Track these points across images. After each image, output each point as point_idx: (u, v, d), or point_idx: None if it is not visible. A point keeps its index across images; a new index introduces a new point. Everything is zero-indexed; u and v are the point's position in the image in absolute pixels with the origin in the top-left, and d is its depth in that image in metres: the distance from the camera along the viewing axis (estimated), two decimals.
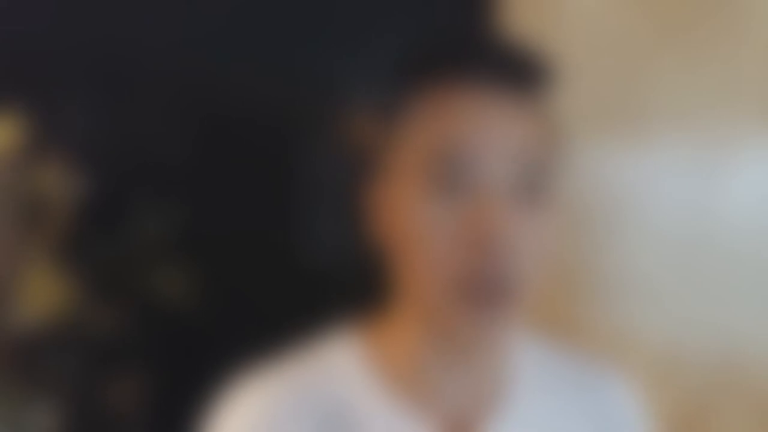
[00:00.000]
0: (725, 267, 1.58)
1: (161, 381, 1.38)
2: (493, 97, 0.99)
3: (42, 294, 1.35)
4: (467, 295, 0.98)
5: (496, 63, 1.01)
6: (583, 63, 1.52)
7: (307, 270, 1.38)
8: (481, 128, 0.98)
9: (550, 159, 1.03)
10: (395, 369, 1.06)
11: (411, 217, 0.99)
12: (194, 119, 1.39)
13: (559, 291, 1.53)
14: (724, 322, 1.59)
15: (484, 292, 0.97)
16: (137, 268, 1.38)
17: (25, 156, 1.34)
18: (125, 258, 1.38)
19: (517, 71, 1.02)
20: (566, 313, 1.54)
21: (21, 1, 1.34)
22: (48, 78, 1.35)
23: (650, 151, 1.55)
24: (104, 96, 1.37)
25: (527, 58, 1.03)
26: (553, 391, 1.12)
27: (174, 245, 1.38)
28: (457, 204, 0.98)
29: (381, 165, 1.03)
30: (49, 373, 1.36)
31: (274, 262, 1.39)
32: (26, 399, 1.35)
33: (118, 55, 1.37)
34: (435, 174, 0.98)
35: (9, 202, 1.34)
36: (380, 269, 1.05)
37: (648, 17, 1.54)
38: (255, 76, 1.39)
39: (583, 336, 1.55)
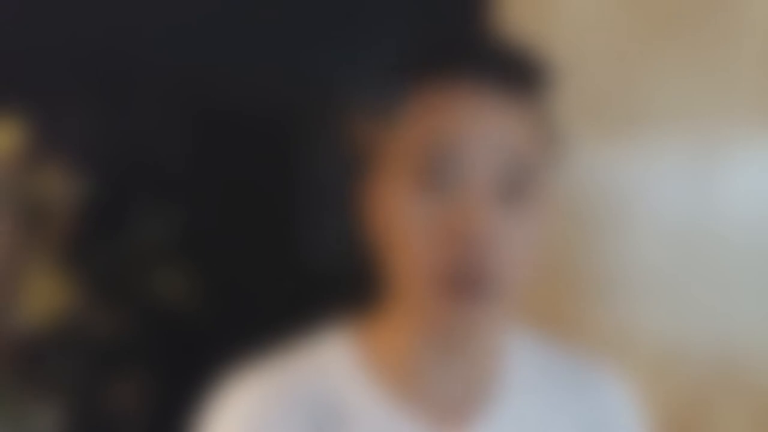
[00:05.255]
0: (723, 264, 1.58)
1: (162, 382, 1.39)
2: (486, 97, 1.00)
3: (43, 297, 1.35)
4: (450, 290, 0.99)
5: (491, 63, 1.02)
6: (581, 64, 1.52)
7: (306, 270, 1.38)
8: (471, 127, 1.00)
9: (541, 162, 1.04)
10: (388, 366, 1.07)
11: (398, 213, 1.01)
12: (195, 122, 1.39)
13: (558, 287, 1.53)
14: (723, 318, 1.59)
15: (465, 287, 0.99)
16: (138, 271, 1.38)
17: (25, 159, 1.35)
18: (126, 260, 1.38)
19: (511, 72, 1.03)
20: (565, 309, 1.54)
21: (19, 3, 1.34)
22: (48, 81, 1.36)
23: (650, 150, 1.55)
24: (105, 99, 1.37)
25: (522, 60, 1.04)
26: (546, 387, 1.12)
27: (174, 247, 1.39)
28: (442, 201, 0.99)
29: (375, 163, 1.04)
30: (51, 376, 1.36)
31: (273, 263, 1.40)
32: (28, 401, 1.35)
33: (118, 57, 1.37)
34: (423, 171, 1.00)
35: (10, 205, 1.34)
36: (373, 266, 1.06)
37: (647, 19, 1.54)
38: (256, 76, 1.40)
39: (581, 331, 1.55)
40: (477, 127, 0.99)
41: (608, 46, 1.53)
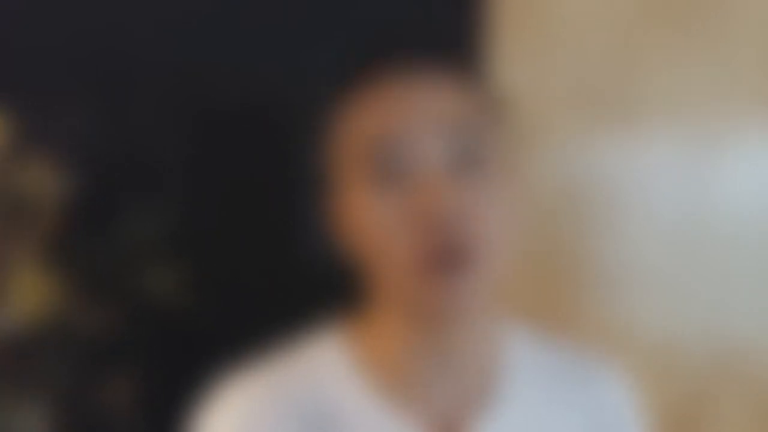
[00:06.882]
0: (721, 258, 1.59)
1: (153, 381, 1.38)
2: (415, 79, 1.03)
3: (32, 295, 1.34)
4: (430, 272, 1.00)
5: (413, 46, 1.05)
6: (579, 59, 1.52)
7: (303, 269, 1.38)
8: (411, 112, 1.02)
9: (488, 125, 1.05)
10: (381, 367, 1.06)
11: (363, 209, 1.02)
12: (191, 120, 1.39)
13: (555, 283, 1.54)
14: (721, 312, 1.59)
15: (445, 264, 0.99)
16: (128, 268, 1.38)
17: (11, 154, 1.34)
18: (116, 258, 1.37)
19: (434, 47, 1.06)
20: (563, 304, 1.55)
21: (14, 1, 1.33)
22: (35, 75, 1.35)
23: (648, 145, 1.56)
24: (93, 93, 1.37)
25: (443, 34, 1.09)
26: (544, 385, 1.12)
27: (165, 245, 1.38)
28: (401, 188, 1.01)
29: (333, 162, 1.06)
30: (40, 375, 1.35)
31: (265, 262, 1.39)
32: (17, 400, 1.35)
33: (107, 52, 1.37)
34: (375, 163, 1.02)
35: None
36: (354, 267, 1.07)
37: (645, 15, 1.54)
38: (255, 76, 1.40)
39: (580, 326, 1.55)
40: (417, 111, 1.02)
41: (606, 41, 1.54)
